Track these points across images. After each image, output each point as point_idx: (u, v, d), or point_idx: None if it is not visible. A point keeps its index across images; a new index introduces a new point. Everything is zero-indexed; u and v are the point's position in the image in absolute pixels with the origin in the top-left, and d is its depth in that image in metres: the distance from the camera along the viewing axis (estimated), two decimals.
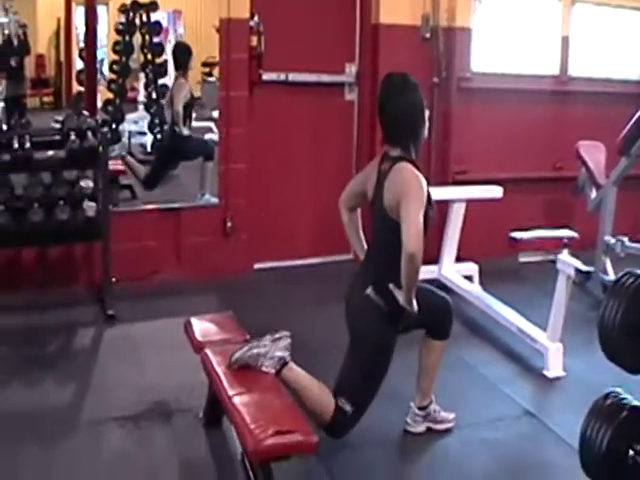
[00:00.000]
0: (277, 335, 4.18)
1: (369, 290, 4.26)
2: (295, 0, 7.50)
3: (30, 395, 5.06)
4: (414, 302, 4.18)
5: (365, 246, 4.64)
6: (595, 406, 3.69)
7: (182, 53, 9.22)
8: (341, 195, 4.68)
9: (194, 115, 9.33)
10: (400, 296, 4.17)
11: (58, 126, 6.67)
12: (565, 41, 8.60)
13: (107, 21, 11.55)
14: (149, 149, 10.42)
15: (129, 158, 9.25)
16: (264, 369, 4.10)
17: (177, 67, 9.17)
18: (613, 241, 7.16)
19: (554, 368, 5.61)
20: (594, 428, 3.60)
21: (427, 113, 4.38)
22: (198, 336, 4.64)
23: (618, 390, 3.71)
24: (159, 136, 10.19)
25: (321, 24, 7.62)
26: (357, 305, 4.36)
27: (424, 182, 4.17)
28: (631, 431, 3.57)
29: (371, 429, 4.55)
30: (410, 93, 4.30)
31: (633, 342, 3.49)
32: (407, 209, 4.05)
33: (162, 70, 10.41)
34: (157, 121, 10.30)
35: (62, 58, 13.06)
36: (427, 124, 4.39)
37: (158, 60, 10.62)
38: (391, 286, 4.20)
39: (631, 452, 3.55)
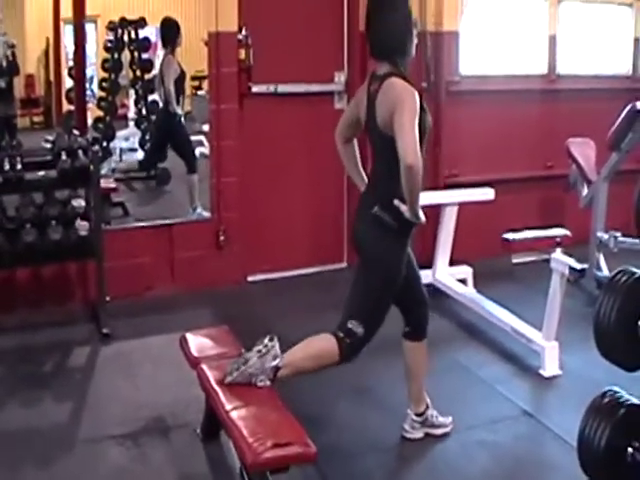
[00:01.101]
0: (263, 350, 4.14)
1: (375, 208, 4.24)
2: (282, 12, 7.49)
3: (27, 414, 5.05)
4: (420, 213, 4.16)
5: (364, 177, 4.62)
6: (593, 404, 3.70)
7: (169, 28, 9.14)
8: (336, 128, 4.70)
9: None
10: (405, 210, 4.14)
11: (49, 146, 6.66)
12: (552, 40, 8.59)
13: (96, 39, 11.58)
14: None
15: (120, 165, 9.29)
16: (260, 384, 4.09)
17: (165, 44, 9.11)
18: (606, 237, 7.16)
19: (550, 367, 5.61)
20: (592, 426, 3.62)
21: (415, 30, 4.35)
22: (194, 351, 4.63)
23: (615, 388, 3.72)
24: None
25: (309, 34, 7.63)
26: (365, 225, 4.35)
27: (415, 93, 4.12)
28: (629, 428, 3.59)
29: (369, 437, 4.56)
30: (398, 6, 4.29)
31: (629, 340, 3.50)
32: (401, 121, 4.01)
33: (152, 86, 10.40)
34: (148, 137, 10.30)
35: (51, 77, 13.06)
36: (415, 39, 4.35)
37: (147, 76, 10.64)
38: (396, 202, 4.15)
39: (630, 449, 3.57)
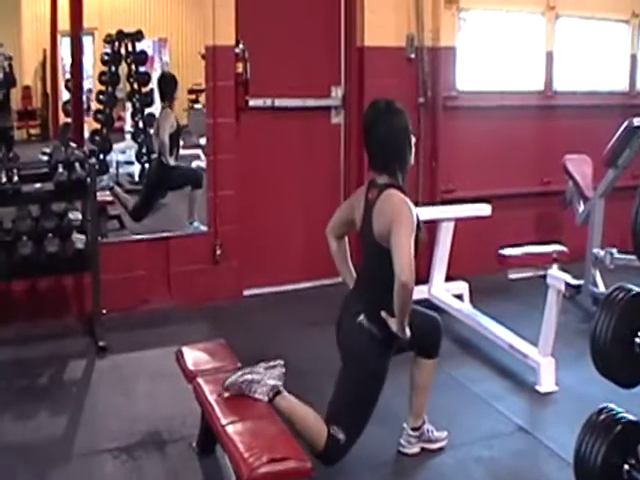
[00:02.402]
0: (271, 363, 4.18)
1: (361, 317, 4.24)
2: (280, 26, 7.52)
3: (22, 427, 5.03)
4: (407, 329, 4.16)
5: (354, 274, 4.61)
6: (589, 421, 3.70)
7: (167, 83, 9.19)
8: (328, 224, 4.67)
9: (181, 143, 9.32)
10: (393, 323, 4.15)
11: (46, 158, 6.66)
12: (549, 56, 8.62)
13: (93, 51, 11.55)
14: (137, 178, 10.40)
15: (117, 189, 9.22)
16: (256, 396, 4.09)
17: (162, 97, 9.15)
18: (602, 253, 7.17)
19: (546, 383, 5.61)
20: (589, 443, 3.62)
21: (413, 139, 4.37)
22: (190, 365, 4.62)
23: (612, 405, 3.72)
24: (147, 165, 10.16)
25: (306, 49, 7.65)
26: (349, 332, 4.34)
27: (413, 208, 4.15)
28: (625, 445, 3.58)
29: (365, 452, 4.54)
30: (395, 119, 4.28)
31: (625, 356, 3.50)
32: (398, 237, 4.03)
33: (149, 99, 10.40)
34: (145, 150, 10.29)
35: (48, 89, 13.05)
36: (413, 150, 4.37)
37: (144, 89, 10.61)
38: (383, 314, 4.17)
39: (626, 466, 3.56)
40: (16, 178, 6.19)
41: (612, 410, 3.68)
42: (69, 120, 8.48)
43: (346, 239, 4.69)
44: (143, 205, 8.90)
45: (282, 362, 4.23)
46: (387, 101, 4.35)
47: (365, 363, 4.29)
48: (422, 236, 4.26)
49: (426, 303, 6.57)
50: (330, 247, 4.69)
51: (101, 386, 5.68)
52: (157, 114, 9.52)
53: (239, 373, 4.13)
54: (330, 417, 4.28)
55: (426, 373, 4.68)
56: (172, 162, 8.80)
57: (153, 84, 10.20)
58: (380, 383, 4.33)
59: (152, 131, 9.57)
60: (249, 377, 4.11)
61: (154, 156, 9.41)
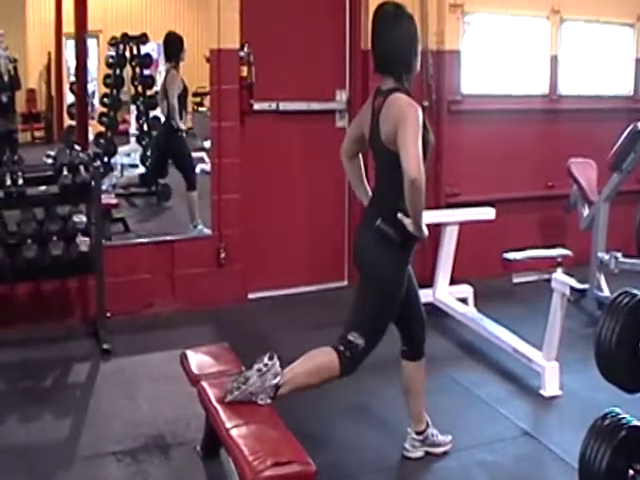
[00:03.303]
0: (263, 369, 4.13)
1: (379, 222, 4.24)
2: (284, 29, 7.51)
3: (26, 430, 5.03)
4: (424, 228, 4.18)
5: (369, 192, 4.61)
6: (594, 426, 3.69)
7: (173, 43, 9.12)
8: (342, 144, 4.70)
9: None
10: (409, 224, 4.15)
11: (50, 161, 6.66)
12: (554, 60, 8.62)
13: (97, 54, 11.59)
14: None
15: (121, 180, 9.27)
16: (260, 402, 4.08)
17: (168, 58, 9.10)
18: (607, 257, 7.16)
19: (551, 387, 5.60)
20: (593, 448, 3.61)
21: (420, 46, 4.37)
22: (194, 369, 4.61)
23: (617, 410, 3.71)
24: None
25: (311, 52, 7.64)
26: (367, 239, 4.34)
27: (419, 108, 4.14)
28: (630, 450, 3.58)
29: (369, 455, 4.55)
30: (403, 23, 4.29)
31: (630, 361, 3.49)
32: (404, 136, 4.03)
33: (153, 102, 10.41)
34: (149, 153, 10.30)
35: (53, 92, 13.07)
36: (419, 55, 4.36)
37: (149, 92, 10.65)
38: (400, 215, 4.17)
39: (631, 471, 3.56)
40: (21, 181, 6.19)
41: (617, 415, 3.67)
42: (74, 123, 8.50)
43: (360, 157, 4.70)
44: (155, 168, 8.96)
45: (274, 358, 4.18)
46: (395, 4, 4.37)
47: (385, 267, 4.30)
48: (430, 139, 4.26)
49: (430, 307, 6.57)
50: (344, 167, 4.75)
51: (105, 389, 5.68)
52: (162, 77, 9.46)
53: (236, 393, 4.08)
54: (350, 324, 4.30)
55: (415, 376, 4.66)
56: (182, 125, 8.78)
57: (158, 87, 10.21)
58: (400, 288, 4.34)
59: (158, 93, 9.51)
60: (247, 392, 4.08)
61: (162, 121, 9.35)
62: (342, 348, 4.25)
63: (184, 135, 9.04)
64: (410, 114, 4.10)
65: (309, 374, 4.26)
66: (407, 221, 4.16)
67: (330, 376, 4.27)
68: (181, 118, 8.83)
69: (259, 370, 4.13)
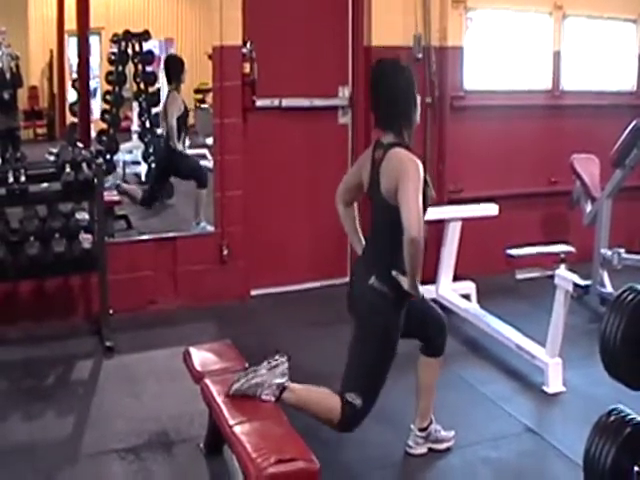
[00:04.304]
0: (273, 362, 4.16)
1: (372, 279, 4.23)
2: (287, 26, 7.51)
3: (29, 428, 5.04)
4: (419, 287, 4.16)
5: (362, 239, 4.61)
6: (599, 423, 3.68)
7: (174, 66, 9.13)
8: (336, 190, 4.68)
9: (188, 142, 9.31)
10: (404, 281, 4.14)
11: (53, 158, 6.66)
12: (557, 56, 8.60)
13: (99, 51, 11.56)
14: (144, 178, 10.40)
15: (124, 185, 9.23)
16: (264, 397, 4.09)
17: (169, 80, 9.11)
18: (610, 253, 7.15)
19: (554, 383, 5.60)
20: (598, 445, 3.60)
21: (419, 98, 4.36)
22: (197, 366, 4.62)
23: (621, 406, 3.70)
24: (152, 150, 10.11)
25: (313, 48, 7.64)
26: (361, 295, 4.33)
27: (420, 164, 4.14)
28: (635, 447, 3.57)
29: (372, 452, 4.54)
30: (401, 77, 4.29)
31: (634, 358, 3.48)
32: (406, 193, 4.03)
33: (155, 99, 10.40)
34: (151, 150, 10.28)
35: (55, 89, 13.05)
36: (419, 109, 4.37)
37: (151, 89, 10.62)
38: (394, 272, 4.17)
39: (636, 468, 3.55)
40: (23, 178, 6.18)
41: (622, 412, 3.66)
42: (76, 120, 8.49)
43: (355, 204, 4.69)
44: (152, 191, 8.91)
45: (284, 358, 4.20)
46: (393, 60, 4.39)
47: (378, 325, 4.27)
48: (430, 194, 4.26)
49: (433, 303, 6.56)
50: (339, 213, 4.71)
51: (108, 386, 5.68)
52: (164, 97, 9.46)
53: (242, 381, 4.11)
54: (345, 384, 4.28)
55: (431, 372, 4.67)
56: (180, 147, 8.78)
57: (160, 84, 10.20)
58: (394, 344, 4.31)
59: (160, 114, 9.52)
60: (253, 382, 4.10)
61: (162, 141, 9.35)
62: (344, 402, 4.24)
63: (183, 153, 8.99)
64: (411, 170, 4.10)
65: (315, 399, 4.26)
66: (402, 279, 4.15)
67: (329, 417, 4.25)
68: (179, 139, 8.81)
69: (269, 363, 4.15)
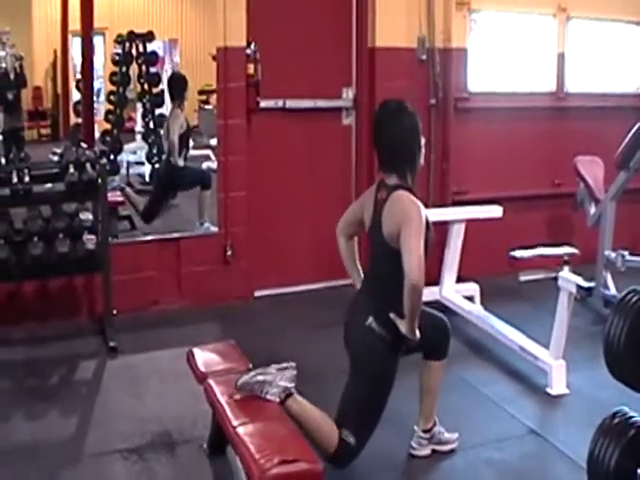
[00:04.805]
0: (283, 365, 4.17)
1: (370, 321, 4.23)
2: (291, 27, 7.51)
3: (33, 428, 5.04)
4: (416, 330, 4.15)
5: (362, 274, 4.62)
6: (603, 425, 3.68)
7: (177, 84, 9.15)
8: (338, 224, 4.67)
9: (191, 144, 9.31)
10: (402, 325, 4.14)
11: (56, 159, 6.67)
12: (561, 58, 8.60)
13: (103, 52, 11.62)
14: (147, 179, 10.41)
15: (128, 190, 9.23)
16: (268, 397, 4.09)
17: (172, 98, 9.12)
18: (613, 255, 7.15)
19: (557, 385, 5.59)
20: (602, 447, 3.60)
21: (423, 140, 4.37)
22: (201, 366, 4.62)
23: (625, 409, 3.70)
24: (157, 166, 10.15)
25: (317, 50, 7.64)
26: (358, 335, 4.33)
27: (422, 209, 4.15)
28: (639, 450, 3.56)
29: (376, 455, 4.53)
30: (405, 119, 4.29)
31: (638, 360, 3.48)
32: (408, 239, 4.03)
33: (159, 100, 10.42)
34: (155, 151, 10.30)
35: (59, 90, 13.10)
36: (423, 151, 4.38)
37: (155, 90, 10.65)
38: (392, 315, 4.16)
39: (639, 471, 3.54)
40: (27, 178, 6.18)
41: (626, 414, 3.66)
42: (80, 120, 8.51)
43: (355, 239, 4.69)
44: (153, 206, 8.92)
45: (294, 364, 4.22)
46: (397, 102, 4.36)
47: (374, 365, 4.28)
48: (431, 237, 4.26)
49: (437, 304, 6.57)
50: (339, 246, 4.70)
51: (111, 387, 5.68)
52: (167, 114, 9.49)
53: (251, 374, 4.12)
54: (340, 421, 4.27)
55: (435, 375, 4.67)
56: (181, 163, 8.79)
57: (164, 85, 10.22)
58: (389, 385, 4.32)
59: (162, 132, 9.55)
60: (261, 378, 4.11)
61: (163, 157, 9.40)
62: (339, 439, 4.23)
63: (183, 166, 8.98)
64: (414, 215, 4.10)
65: (316, 421, 4.22)
66: (400, 322, 4.15)
67: (324, 443, 4.21)
68: (180, 155, 8.80)
69: (279, 364, 4.16)
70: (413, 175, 4.31)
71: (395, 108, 4.33)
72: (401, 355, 4.33)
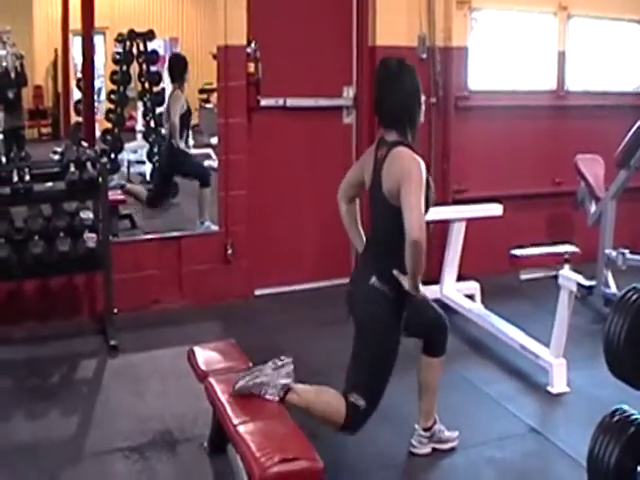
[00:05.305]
0: (279, 363, 4.16)
1: (373, 279, 4.22)
2: (291, 26, 7.51)
3: (34, 427, 5.05)
4: (420, 287, 4.15)
5: (364, 238, 4.60)
6: (602, 423, 3.69)
7: (178, 65, 9.12)
8: (339, 189, 4.66)
9: (192, 142, 9.31)
10: (405, 282, 4.12)
11: (57, 157, 6.67)
12: (562, 56, 8.60)
13: (104, 51, 11.61)
14: (148, 178, 10.41)
15: (128, 186, 9.24)
16: (268, 397, 4.08)
17: (173, 79, 9.11)
18: (614, 254, 7.16)
19: (558, 384, 5.60)
20: (602, 445, 3.60)
21: (423, 97, 4.37)
22: (201, 365, 4.62)
23: (625, 407, 3.70)
24: (156, 149, 10.12)
25: (318, 48, 7.64)
26: (362, 295, 4.32)
27: (423, 165, 4.12)
28: (639, 447, 3.56)
29: (377, 453, 4.54)
30: (406, 77, 4.28)
31: (638, 358, 3.48)
32: (408, 195, 4.01)
33: (160, 99, 10.42)
34: (156, 149, 10.30)
35: (60, 89, 13.10)
36: (423, 108, 4.37)
37: (156, 89, 10.65)
38: (395, 272, 4.15)
39: (639, 468, 3.54)
40: (28, 177, 6.18)
41: (625, 412, 3.67)
42: (80, 119, 8.51)
43: (357, 202, 4.67)
44: (157, 191, 8.93)
45: (290, 359, 4.21)
46: (398, 60, 4.35)
47: (379, 324, 4.26)
48: (432, 195, 4.26)
49: (437, 303, 6.56)
50: (340, 211, 4.68)
51: (112, 385, 5.69)
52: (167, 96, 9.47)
53: (247, 378, 4.11)
54: (349, 386, 4.27)
55: (433, 372, 4.66)
56: (182, 145, 8.78)
57: (164, 83, 10.22)
58: (395, 345, 4.30)
59: (163, 113, 9.53)
60: (258, 380, 4.10)
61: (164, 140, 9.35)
62: (347, 406, 4.24)
63: (185, 151, 9.00)
64: (414, 171, 4.08)
65: (319, 402, 4.24)
66: (403, 278, 4.14)
67: (333, 419, 4.23)
68: (181, 137, 8.80)
69: (274, 363, 4.15)
70: (413, 132, 4.29)
71: (395, 67, 4.31)
72: (406, 313, 4.30)
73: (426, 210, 4.08)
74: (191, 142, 9.43)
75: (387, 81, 4.31)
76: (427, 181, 4.14)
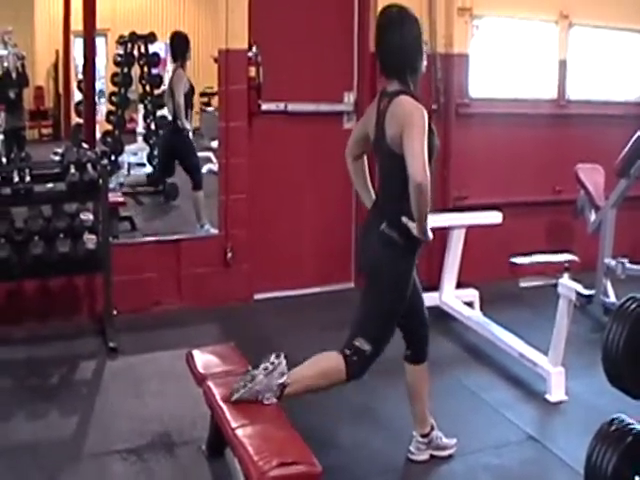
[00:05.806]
0: (270, 367, 4.16)
1: (383, 226, 4.24)
2: (293, 30, 7.51)
3: (33, 427, 5.04)
4: (429, 231, 4.17)
5: (372, 194, 4.62)
6: (600, 431, 3.68)
7: (180, 43, 9.11)
8: (347, 144, 4.69)
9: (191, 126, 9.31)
10: (413, 227, 4.15)
11: (58, 159, 6.68)
12: (563, 65, 8.60)
13: (105, 53, 11.64)
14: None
15: (128, 179, 9.29)
16: (266, 402, 4.09)
17: (175, 58, 9.09)
18: (613, 263, 7.16)
19: (556, 392, 5.59)
20: (599, 453, 3.60)
21: (425, 47, 4.37)
22: (200, 368, 4.62)
23: (623, 415, 3.71)
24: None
25: (319, 53, 7.64)
26: (372, 243, 4.34)
27: (425, 112, 4.12)
28: (637, 456, 3.57)
29: (374, 458, 4.54)
30: (408, 25, 4.28)
31: (636, 367, 3.49)
32: (410, 141, 4.02)
33: (161, 101, 10.42)
34: (156, 152, 10.31)
35: (61, 90, 13.12)
36: (425, 57, 4.36)
37: (157, 91, 10.67)
38: (404, 219, 4.16)
39: (637, 478, 3.55)
40: (28, 178, 6.19)
41: (623, 421, 3.67)
42: (81, 121, 8.52)
43: (364, 158, 4.69)
44: (162, 168, 8.97)
45: (281, 357, 4.21)
46: (399, 8, 4.36)
47: (390, 271, 4.29)
48: (436, 144, 4.28)
49: (437, 310, 6.59)
50: (349, 169, 4.73)
51: (111, 387, 5.69)
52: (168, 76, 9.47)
53: (242, 391, 4.10)
54: (355, 330, 4.30)
55: (418, 379, 4.67)
56: (187, 126, 8.78)
57: (165, 86, 10.23)
58: (404, 292, 4.33)
59: (165, 92, 9.52)
60: (253, 390, 4.10)
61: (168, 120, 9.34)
62: (348, 352, 4.27)
63: (190, 134, 9.04)
64: (416, 117, 4.09)
65: (316, 376, 4.28)
66: (412, 225, 4.16)
67: (337, 380, 4.29)
68: (187, 117, 8.82)
69: (265, 369, 4.14)
70: (415, 81, 4.30)
71: (397, 14, 4.33)
72: (416, 259, 4.35)
73: (430, 157, 4.10)
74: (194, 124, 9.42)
75: (388, 29, 4.32)
76: (430, 127, 4.15)
